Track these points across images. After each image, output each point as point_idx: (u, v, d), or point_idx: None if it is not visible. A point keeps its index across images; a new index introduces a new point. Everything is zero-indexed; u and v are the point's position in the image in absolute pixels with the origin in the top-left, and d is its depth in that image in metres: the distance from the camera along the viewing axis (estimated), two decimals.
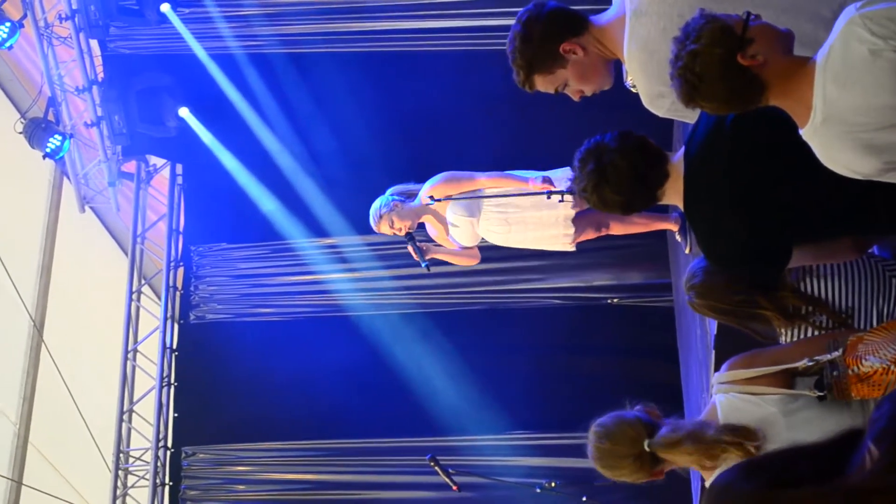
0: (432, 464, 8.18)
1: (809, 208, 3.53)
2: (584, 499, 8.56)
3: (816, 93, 2.98)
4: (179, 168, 11.72)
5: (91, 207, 11.96)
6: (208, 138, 10.77)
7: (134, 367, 11.40)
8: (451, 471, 8.36)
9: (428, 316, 10.75)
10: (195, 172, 11.52)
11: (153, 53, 10.74)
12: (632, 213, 3.98)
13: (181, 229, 11.64)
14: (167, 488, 11.08)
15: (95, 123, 10.69)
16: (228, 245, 11.41)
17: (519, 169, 7.92)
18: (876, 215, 3.50)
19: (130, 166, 11.72)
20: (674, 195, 3.71)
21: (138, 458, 11.26)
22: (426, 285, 10.43)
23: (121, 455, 11.15)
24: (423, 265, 7.79)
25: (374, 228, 7.88)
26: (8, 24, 9.64)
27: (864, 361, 3.34)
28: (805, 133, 3.08)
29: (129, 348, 11.38)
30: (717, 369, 3.80)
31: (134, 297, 11.57)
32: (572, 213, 7.77)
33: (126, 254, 11.97)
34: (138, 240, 11.67)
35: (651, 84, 3.76)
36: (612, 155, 3.65)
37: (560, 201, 7.36)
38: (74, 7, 10.18)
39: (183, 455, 11.10)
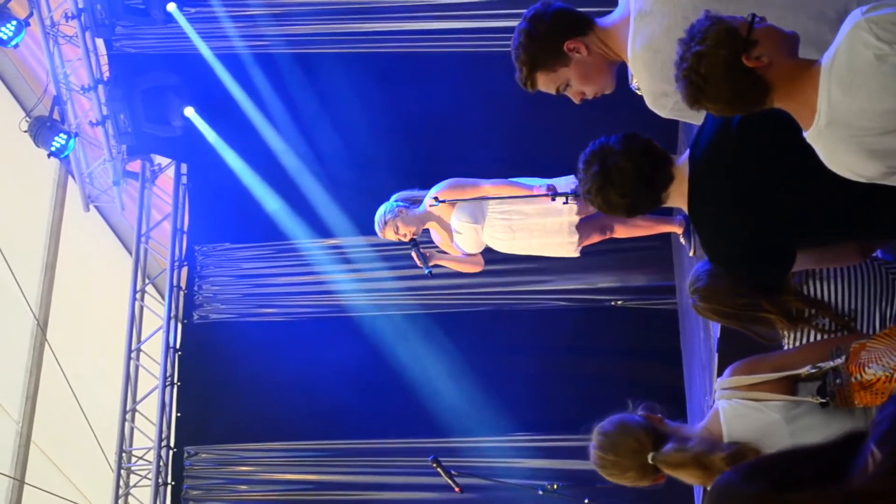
0: (435, 465, 8.19)
1: (813, 211, 3.52)
2: (586, 501, 8.57)
3: (821, 96, 2.98)
4: (184, 168, 11.73)
5: (95, 206, 11.97)
6: (213, 138, 10.79)
7: (137, 367, 11.40)
8: (453, 472, 8.37)
9: (431, 317, 10.76)
10: (200, 172, 11.53)
11: (159, 53, 10.75)
12: (636, 216, 3.97)
13: (185, 229, 11.65)
14: (169, 488, 11.08)
15: (101, 122, 10.70)
16: (232, 245, 11.41)
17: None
18: (880, 218, 3.50)
19: (135, 165, 11.73)
20: (678, 198, 3.70)
21: (141, 458, 11.27)
22: (430, 286, 10.42)
23: (123, 454, 11.16)
24: (426, 271, 7.80)
25: (379, 234, 7.89)
26: (14, 22, 9.66)
27: (866, 369, 3.33)
28: (809, 136, 3.08)
29: (133, 347, 11.39)
30: (720, 373, 3.79)
31: (137, 296, 11.58)
32: (576, 219, 7.77)
33: (130, 253, 11.98)
34: (142, 239, 11.68)
35: (655, 83, 3.75)
36: (617, 157, 3.64)
37: (565, 203, 7.36)
38: (80, 6, 10.20)
39: (185, 455, 11.11)
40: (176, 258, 11.53)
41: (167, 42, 10.65)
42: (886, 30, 2.84)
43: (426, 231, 8.03)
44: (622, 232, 8.21)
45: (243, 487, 11.11)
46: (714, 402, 3.70)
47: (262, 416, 10.80)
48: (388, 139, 10.47)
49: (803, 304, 3.90)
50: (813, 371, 3.48)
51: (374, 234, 7.91)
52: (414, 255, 7.78)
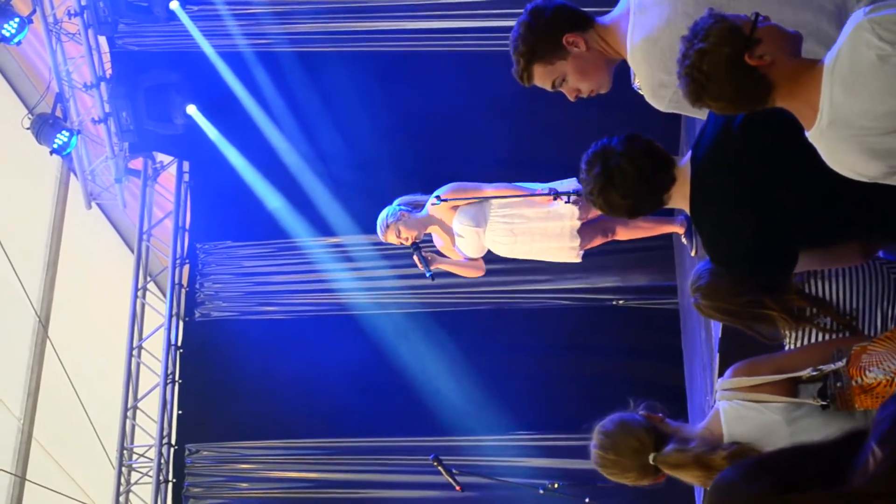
0: (436, 464, 8.19)
1: (815, 211, 3.52)
2: (587, 500, 8.57)
3: (823, 96, 2.99)
4: (186, 165, 11.74)
5: (97, 204, 11.98)
6: (215, 136, 10.79)
7: (138, 364, 11.41)
8: (454, 471, 8.37)
9: (432, 315, 10.76)
10: (202, 170, 11.54)
11: (161, 50, 10.76)
12: (637, 217, 3.97)
13: (187, 226, 11.66)
14: (170, 485, 11.08)
15: (103, 120, 10.71)
16: (234, 243, 11.42)
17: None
18: (882, 218, 3.50)
19: (137, 163, 11.74)
20: (680, 199, 3.70)
21: (142, 455, 11.28)
22: (431, 285, 10.38)
23: (124, 452, 11.16)
24: (427, 275, 7.80)
25: (381, 238, 7.89)
26: (17, 19, 9.66)
27: (867, 373, 3.33)
28: (811, 135, 3.08)
29: (134, 345, 11.39)
30: (721, 372, 3.79)
31: (139, 293, 11.59)
32: (578, 223, 7.76)
33: (132, 250, 11.99)
34: (144, 237, 11.69)
35: (653, 73, 3.76)
36: (619, 158, 3.64)
37: (566, 202, 7.36)
38: (83, 3, 10.21)
39: (186, 452, 11.11)
40: (178, 256, 11.53)
41: (170, 40, 10.66)
42: (889, 30, 2.85)
43: (428, 235, 8.03)
44: (624, 234, 8.20)
45: (244, 485, 11.11)
46: (715, 402, 3.70)
47: (264, 413, 10.81)
48: (390, 138, 10.48)
49: (805, 303, 3.90)
50: (814, 373, 3.48)
51: (376, 232, 7.91)
52: (416, 258, 7.78)
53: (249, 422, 10.90)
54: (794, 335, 3.96)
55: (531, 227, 7.76)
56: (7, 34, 9.66)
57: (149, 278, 11.79)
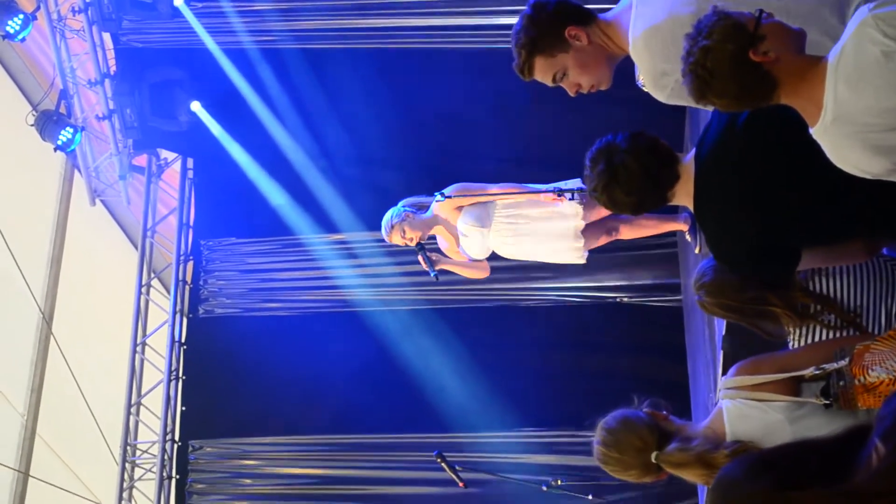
0: (439, 460, 8.19)
1: (819, 209, 3.52)
2: (589, 496, 8.56)
3: (827, 92, 2.99)
4: (190, 162, 11.73)
5: (101, 200, 11.97)
6: (219, 133, 10.79)
7: (142, 361, 11.42)
8: (457, 467, 8.36)
9: (437, 312, 10.76)
10: (206, 167, 11.53)
11: (166, 47, 10.76)
12: (641, 214, 3.97)
13: (191, 223, 11.65)
14: (174, 481, 11.09)
15: (107, 116, 10.71)
16: (238, 240, 11.42)
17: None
18: (886, 216, 3.50)
19: (141, 160, 11.73)
20: (684, 196, 3.70)
21: (145, 451, 11.28)
22: (436, 282, 10.42)
23: (128, 448, 11.17)
24: (431, 274, 7.80)
25: (386, 238, 7.89)
26: (21, 16, 9.67)
27: (870, 372, 3.33)
28: (815, 132, 3.08)
29: (138, 341, 11.40)
30: (724, 370, 3.80)
31: (143, 290, 11.59)
32: (582, 224, 7.76)
33: (136, 247, 11.99)
34: (148, 233, 11.69)
35: (655, 62, 3.76)
36: (623, 155, 3.64)
37: (570, 199, 7.36)
38: (87, 0, 10.20)
39: (190, 448, 11.12)
40: (182, 252, 11.53)
41: (174, 37, 10.66)
42: (894, 26, 2.84)
43: (432, 237, 8.03)
44: (628, 233, 8.21)
45: (248, 481, 11.12)
46: (718, 400, 3.70)
47: (267, 410, 10.82)
48: (395, 135, 10.48)
49: (810, 300, 3.90)
50: (817, 372, 3.48)
51: (380, 229, 7.91)
52: (420, 259, 7.77)
53: (253, 418, 10.91)
54: (798, 332, 3.96)
55: (535, 227, 7.76)
56: (11, 31, 9.67)
57: (153, 275, 11.79)
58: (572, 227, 7.76)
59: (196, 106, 10.69)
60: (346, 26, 10.29)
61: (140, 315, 11.51)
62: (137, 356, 11.37)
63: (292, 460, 10.96)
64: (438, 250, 8.11)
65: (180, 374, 11.25)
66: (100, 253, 13.01)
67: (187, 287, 11.54)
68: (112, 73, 10.70)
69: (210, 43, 10.45)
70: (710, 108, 3.48)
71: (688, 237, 8.21)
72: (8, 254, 10.35)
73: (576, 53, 3.97)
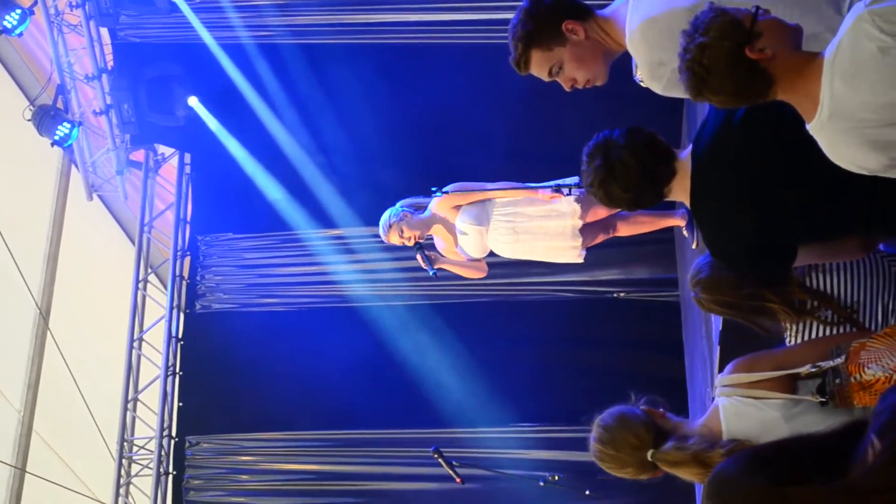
0: (436, 456, 8.20)
1: (816, 206, 3.52)
2: (587, 492, 8.57)
3: (824, 88, 2.99)
4: (188, 157, 11.73)
5: (99, 195, 11.97)
6: (217, 128, 10.79)
7: (139, 356, 11.42)
8: (454, 463, 8.38)
9: (434, 307, 10.76)
10: (203, 162, 11.53)
11: (163, 42, 10.75)
12: (638, 210, 3.97)
13: (188, 218, 11.66)
14: (171, 477, 11.10)
15: (104, 112, 10.71)
16: (235, 235, 11.42)
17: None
18: (883, 213, 3.50)
19: (139, 155, 11.73)
20: (681, 192, 3.70)
21: (142, 447, 11.28)
22: (432, 277, 10.43)
23: (125, 444, 11.17)
24: (430, 273, 7.80)
25: (384, 238, 7.88)
26: (18, 10, 9.66)
27: (866, 369, 3.32)
28: (812, 128, 3.08)
29: (135, 337, 11.40)
30: (721, 365, 3.80)
31: (140, 285, 11.59)
32: (580, 223, 7.77)
33: (133, 242, 11.99)
34: (145, 228, 11.69)
35: (652, 53, 3.76)
36: (620, 151, 3.64)
37: (568, 194, 7.37)
38: None
39: (187, 444, 11.12)
40: (179, 248, 11.53)
41: (171, 32, 10.65)
42: (890, 22, 2.84)
43: (429, 237, 8.03)
44: (625, 230, 8.22)
45: (244, 477, 11.12)
46: (714, 397, 3.70)
47: (264, 405, 10.81)
48: (392, 130, 10.47)
49: (806, 296, 3.90)
50: (813, 370, 3.48)
51: (377, 224, 7.91)
52: (419, 258, 7.77)
53: (250, 414, 10.91)
54: (795, 328, 3.96)
55: (533, 225, 7.76)
56: (9, 25, 9.66)
57: (150, 270, 11.79)
58: (570, 226, 7.77)
59: (193, 101, 10.68)
60: (343, 21, 10.28)
61: (137, 311, 11.51)
62: (134, 352, 11.37)
63: (289, 456, 10.96)
64: (436, 251, 8.11)
65: (177, 370, 11.25)
66: (97, 248, 13.00)
67: (184, 282, 11.54)
68: (109, 68, 10.70)
69: (207, 38, 10.44)
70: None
71: (685, 233, 8.22)
72: (5, 249, 10.34)
73: (572, 47, 3.98)
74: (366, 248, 10.83)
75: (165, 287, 11.68)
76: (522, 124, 10.28)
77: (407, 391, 10.30)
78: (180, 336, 11.38)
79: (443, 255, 8.04)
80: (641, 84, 4.01)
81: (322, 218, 10.88)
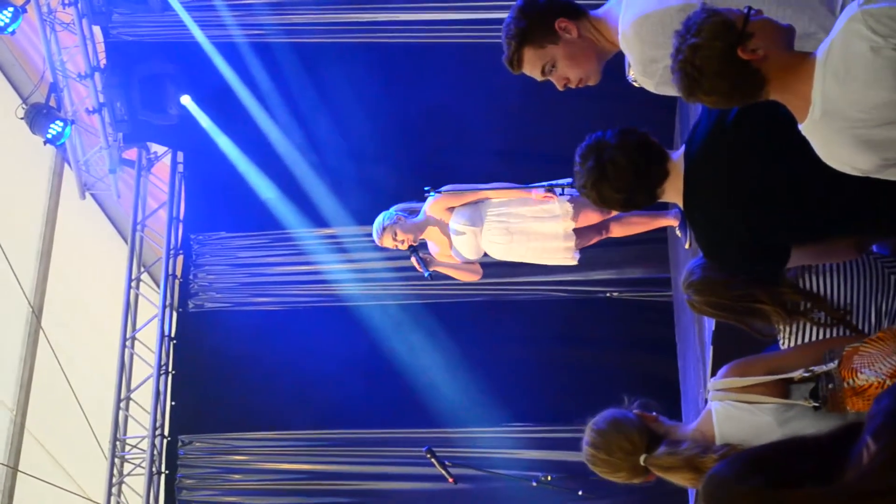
0: (429, 455, 8.20)
1: (809, 207, 3.52)
2: (580, 492, 8.57)
3: (816, 88, 2.99)
4: (180, 156, 11.71)
5: (91, 194, 11.96)
6: (210, 126, 10.77)
7: (132, 355, 11.40)
8: (447, 463, 8.38)
9: (426, 307, 10.75)
10: (196, 160, 11.52)
11: (156, 41, 10.73)
12: (630, 211, 3.97)
13: (181, 217, 11.64)
14: (163, 477, 11.08)
15: (97, 110, 10.69)
16: (228, 234, 11.40)
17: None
18: (876, 214, 3.50)
19: (131, 153, 11.71)
20: (674, 193, 3.70)
21: (135, 447, 11.27)
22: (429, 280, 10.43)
23: (117, 443, 11.16)
24: (425, 275, 7.80)
25: (377, 242, 7.88)
26: (11, 8, 9.64)
27: (859, 374, 3.32)
28: (804, 128, 3.08)
29: (128, 336, 11.38)
30: (714, 367, 3.80)
31: (133, 284, 11.57)
32: (572, 224, 7.78)
33: (126, 241, 11.98)
34: (138, 227, 11.67)
35: (644, 49, 3.77)
36: (613, 152, 3.64)
37: (560, 194, 7.38)
38: None
39: (179, 444, 11.11)
40: (172, 247, 11.51)
41: (164, 30, 10.64)
42: (882, 23, 2.85)
43: (423, 241, 8.03)
44: (618, 231, 8.23)
45: (237, 476, 11.11)
46: (707, 401, 3.70)
47: (257, 405, 10.80)
48: (386, 129, 10.47)
49: (799, 297, 3.90)
50: (806, 374, 3.48)
51: (370, 223, 7.91)
52: (413, 261, 7.77)
53: (243, 413, 10.90)
54: (788, 330, 3.96)
55: (526, 226, 7.77)
56: (1, 24, 9.63)
57: (142, 269, 11.77)
58: (562, 228, 7.78)
59: (186, 100, 10.66)
60: (336, 20, 10.28)
61: (130, 309, 11.49)
62: (127, 351, 11.36)
63: (282, 455, 10.95)
64: (429, 253, 8.12)
65: (170, 369, 11.24)
66: (89, 247, 12.98)
67: (177, 281, 11.53)
68: (102, 66, 10.68)
69: (200, 36, 10.43)
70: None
71: (678, 233, 8.22)
72: None
73: (565, 46, 3.98)
74: (359, 247, 10.82)
75: (158, 286, 11.66)
76: (516, 124, 10.28)
77: (400, 391, 10.30)
78: (173, 335, 11.36)
79: (436, 260, 8.04)
80: (634, 84, 4.01)
81: (315, 217, 10.86)
